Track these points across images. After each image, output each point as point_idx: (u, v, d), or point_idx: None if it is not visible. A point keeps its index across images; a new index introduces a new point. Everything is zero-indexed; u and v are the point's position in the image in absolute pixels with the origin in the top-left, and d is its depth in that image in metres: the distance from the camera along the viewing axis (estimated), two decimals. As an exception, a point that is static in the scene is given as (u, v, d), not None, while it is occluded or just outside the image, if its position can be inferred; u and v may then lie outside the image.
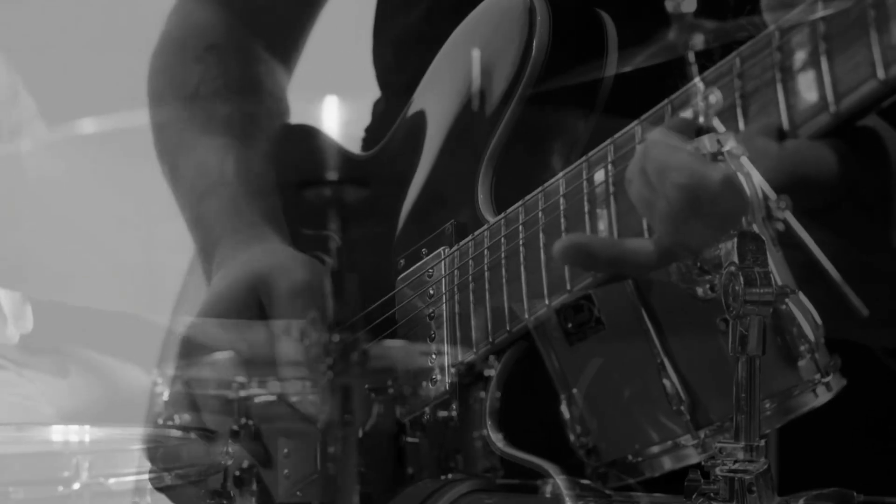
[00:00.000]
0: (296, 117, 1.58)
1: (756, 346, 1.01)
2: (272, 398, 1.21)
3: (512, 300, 1.20)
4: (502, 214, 1.23)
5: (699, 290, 1.11)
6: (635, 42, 1.20)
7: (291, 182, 1.46)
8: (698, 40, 1.05)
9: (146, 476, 1.02)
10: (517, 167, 1.28)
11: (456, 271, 1.26)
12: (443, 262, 1.27)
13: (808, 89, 1.00)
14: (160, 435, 1.15)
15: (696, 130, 1.06)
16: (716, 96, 1.05)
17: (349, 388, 0.92)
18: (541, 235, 1.18)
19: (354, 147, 1.51)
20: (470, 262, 1.24)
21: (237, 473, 1.15)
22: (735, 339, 1.01)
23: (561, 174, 1.18)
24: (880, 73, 0.95)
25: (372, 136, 1.51)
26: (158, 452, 1.03)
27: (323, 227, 1.40)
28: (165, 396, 1.24)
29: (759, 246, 1.02)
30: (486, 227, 1.24)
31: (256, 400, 1.21)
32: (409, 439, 1.23)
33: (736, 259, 1.01)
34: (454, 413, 1.23)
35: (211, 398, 1.23)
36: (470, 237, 1.26)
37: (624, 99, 1.22)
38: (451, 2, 1.39)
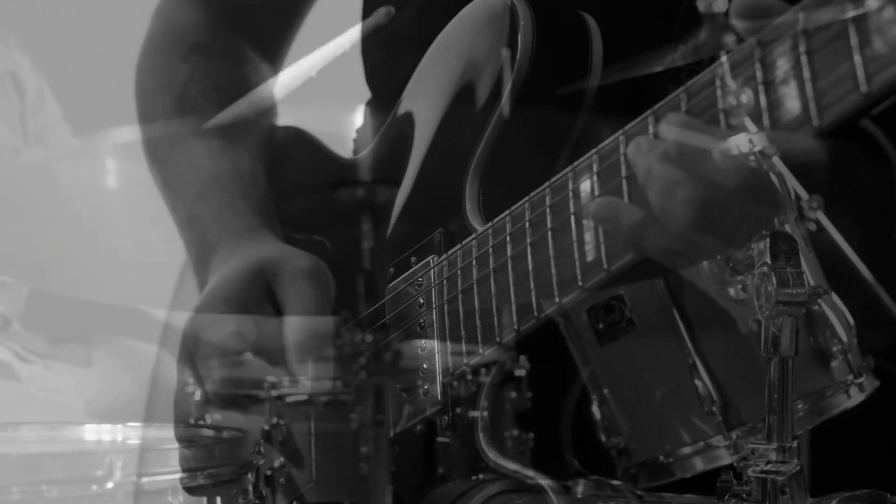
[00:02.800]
0: (284, 119, 1.57)
1: (788, 346, 1.01)
2: (303, 398, 1.21)
3: (502, 311, 1.20)
4: (489, 224, 1.23)
5: (731, 291, 1.11)
6: (666, 41, 1.20)
7: (283, 184, 1.46)
8: (730, 40, 1.04)
9: (179, 475, 1.02)
10: (504, 172, 1.27)
11: (445, 281, 1.26)
12: (432, 272, 1.27)
13: (791, 102, 1.00)
14: (192, 434, 1.16)
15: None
16: (747, 95, 1.05)
17: (381, 388, 0.92)
18: (528, 249, 1.18)
19: (346, 149, 1.50)
20: (458, 272, 1.24)
21: (268, 473, 1.16)
22: (767, 339, 1.01)
23: (547, 184, 1.17)
24: (863, 87, 0.95)
25: (363, 138, 1.51)
26: (191, 451, 1.04)
27: (313, 232, 1.40)
28: (197, 396, 1.25)
29: (791, 246, 1.02)
30: (473, 236, 1.24)
31: (287, 399, 1.21)
32: (440, 439, 1.23)
33: (768, 259, 1.01)
34: (485, 413, 1.23)
35: (242, 398, 1.24)
36: (458, 247, 1.25)
37: (611, 102, 1.22)
38: (441, 3, 1.38)
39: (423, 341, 1.26)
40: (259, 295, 1.30)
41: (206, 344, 1.28)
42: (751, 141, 1.02)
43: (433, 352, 1.24)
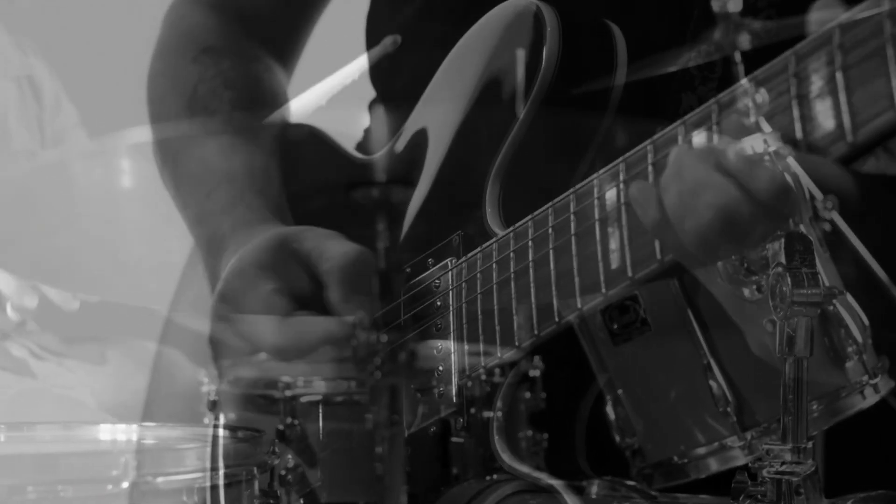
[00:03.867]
0: (296, 117, 1.56)
1: (803, 347, 1.01)
2: (317, 398, 1.22)
3: (522, 316, 1.20)
4: (511, 229, 1.22)
5: (746, 291, 1.11)
6: (680, 42, 1.20)
7: (297, 182, 1.46)
8: (744, 40, 1.04)
9: (194, 475, 1.03)
10: (525, 177, 1.27)
11: (464, 284, 1.25)
12: (450, 274, 1.27)
13: (825, 117, 1.00)
14: (207, 434, 1.16)
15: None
16: (762, 96, 1.04)
17: (396, 389, 0.92)
18: (551, 254, 1.18)
19: (352, 147, 1.50)
20: (478, 275, 1.24)
21: (283, 473, 1.16)
22: (782, 340, 1.01)
23: (571, 191, 1.17)
24: None
25: (370, 137, 1.50)
26: (206, 452, 1.04)
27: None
28: (212, 395, 1.25)
29: (806, 246, 1.01)
30: (494, 240, 1.24)
31: (302, 399, 1.21)
32: (455, 439, 1.23)
33: (783, 259, 1.01)
34: (499, 413, 1.23)
35: (257, 398, 1.24)
36: (478, 249, 1.25)
37: (635, 109, 1.22)
38: (446, 2, 1.38)
39: (439, 343, 1.25)
40: (287, 258, 1.30)
41: (245, 303, 1.28)
42: (765, 141, 1.02)
43: (449, 353, 1.24)
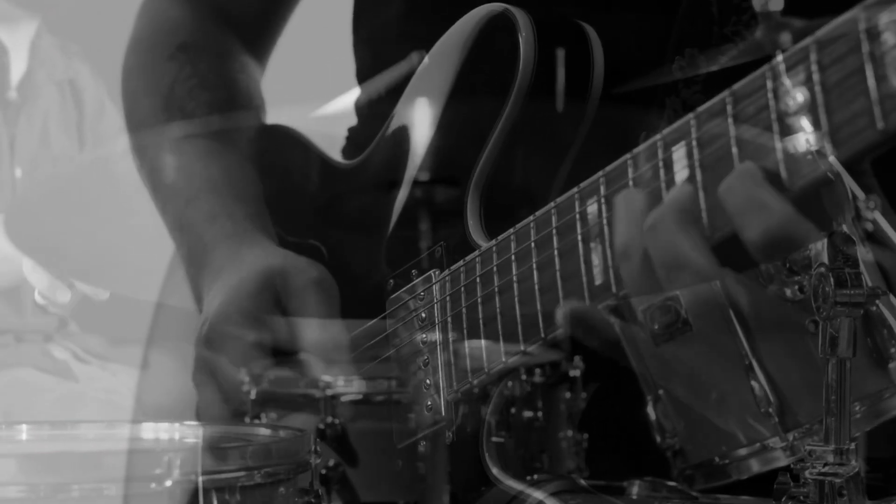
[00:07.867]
0: (274, 117, 1.55)
1: (846, 347, 1.00)
2: (358, 397, 1.22)
3: (508, 329, 1.19)
4: (493, 241, 1.22)
5: (788, 291, 1.10)
6: (721, 42, 1.20)
7: (273, 186, 1.45)
8: (786, 39, 1.04)
9: (236, 474, 1.03)
10: (507, 186, 1.26)
11: (448, 297, 1.25)
12: (435, 287, 1.26)
13: (805, 137, 0.99)
14: (248, 433, 1.16)
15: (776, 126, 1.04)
16: (803, 94, 1.04)
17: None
18: (534, 269, 1.17)
19: (336, 148, 1.49)
20: (462, 289, 1.23)
21: (324, 472, 1.16)
22: (825, 340, 1.01)
23: (552, 203, 1.16)
24: (880, 124, 0.95)
25: (355, 137, 1.49)
26: (248, 451, 1.04)
27: (308, 236, 1.40)
28: (253, 395, 1.25)
29: (849, 246, 1.01)
30: (477, 252, 1.23)
31: (343, 398, 1.22)
32: (495, 439, 1.23)
33: (826, 260, 1.01)
34: (539, 413, 1.23)
35: (298, 397, 1.24)
36: (461, 262, 1.24)
37: (617, 115, 1.21)
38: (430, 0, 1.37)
39: (425, 356, 1.25)
40: (271, 305, 1.30)
41: (227, 352, 1.29)
42: (807, 140, 1.02)
43: (437, 367, 1.24)
